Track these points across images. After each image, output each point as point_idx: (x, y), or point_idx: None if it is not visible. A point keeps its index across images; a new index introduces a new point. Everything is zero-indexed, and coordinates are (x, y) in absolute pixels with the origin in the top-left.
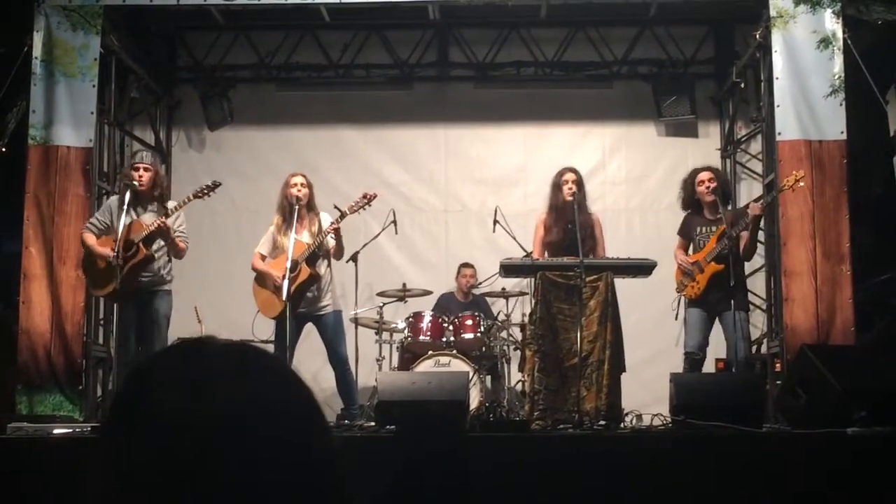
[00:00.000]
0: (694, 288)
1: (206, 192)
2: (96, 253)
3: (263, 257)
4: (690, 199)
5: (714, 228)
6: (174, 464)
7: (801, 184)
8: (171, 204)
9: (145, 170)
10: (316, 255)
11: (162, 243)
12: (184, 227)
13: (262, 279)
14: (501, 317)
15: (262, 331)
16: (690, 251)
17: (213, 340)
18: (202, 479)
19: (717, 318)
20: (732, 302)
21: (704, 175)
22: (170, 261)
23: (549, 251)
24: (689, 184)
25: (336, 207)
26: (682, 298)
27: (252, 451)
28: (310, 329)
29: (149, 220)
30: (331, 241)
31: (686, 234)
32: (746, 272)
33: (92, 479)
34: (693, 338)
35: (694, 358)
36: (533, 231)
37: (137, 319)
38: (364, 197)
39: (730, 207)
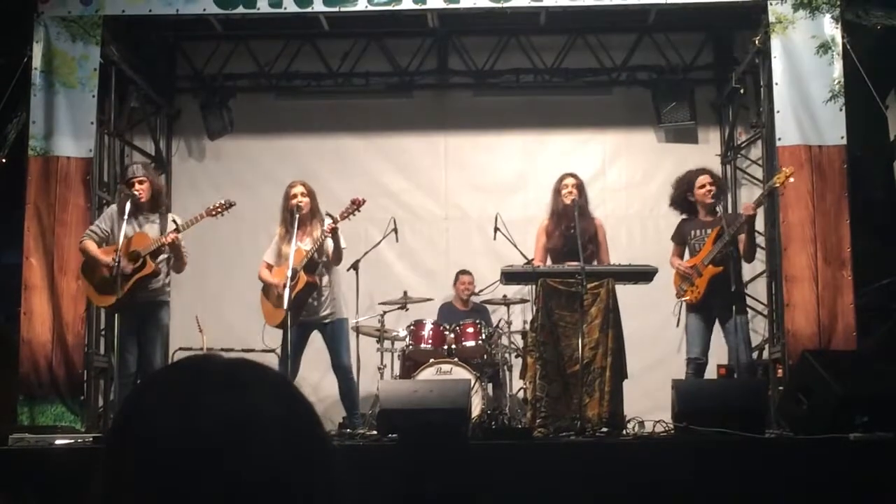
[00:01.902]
0: (694, 292)
1: (219, 210)
2: (100, 261)
3: (270, 266)
4: (682, 198)
5: (709, 231)
6: (175, 478)
7: (792, 179)
8: (179, 220)
9: (140, 182)
10: (315, 261)
11: (163, 256)
12: (183, 241)
13: (267, 289)
14: (503, 324)
15: (270, 340)
16: (686, 256)
17: (214, 356)
18: (201, 494)
19: (716, 323)
20: (734, 307)
21: (705, 178)
22: (168, 273)
23: (550, 257)
24: (685, 185)
25: (328, 215)
26: (683, 304)
27: (250, 465)
28: (313, 338)
29: (152, 231)
30: (329, 244)
31: (680, 239)
32: (748, 276)
33: (94, 492)
34: (695, 343)
35: (698, 363)
36: (535, 238)
37: (139, 330)
38: (353, 203)
39: (720, 209)
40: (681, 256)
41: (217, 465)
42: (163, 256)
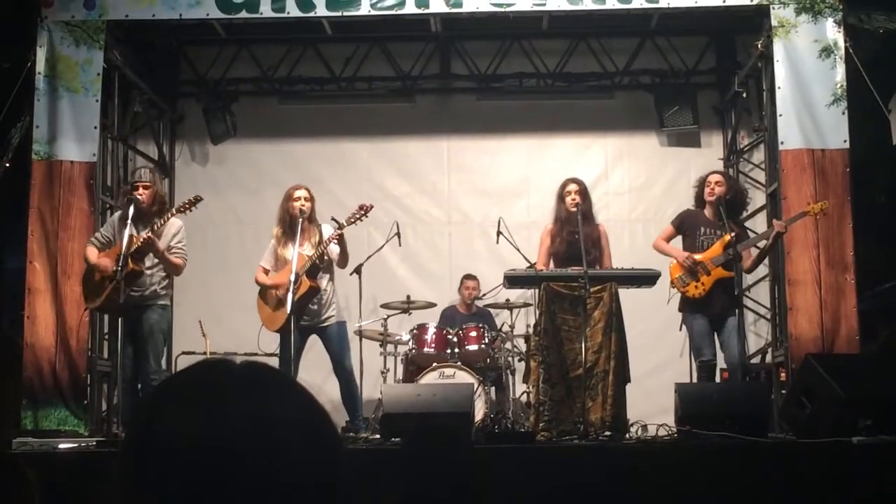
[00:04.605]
0: (698, 288)
1: (187, 206)
2: (97, 266)
3: (267, 271)
4: (699, 197)
5: (720, 233)
6: (192, 482)
7: (825, 214)
8: (157, 220)
9: (144, 188)
10: (317, 267)
11: (155, 261)
12: (182, 243)
13: (265, 293)
14: (506, 328)
15: (267, 344)
16: (680, 245)
17: (230, 361)
18: (226, 496)
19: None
20: (735, 309)
21: (713, 178)
22: (167, 276)
23: (553, 262)
24: (700, 183)
25: (333, 219)
26: (684, 303)
27: (274, 467)
28: (313, 341)
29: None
30: (335, 250)
31: (681, 228)
32: (750, 282)
33: (111, 496)
34: (705, 345)
35: (711, 364)
36: (538, 242)
37: (132, 334)
38: (360, 208)
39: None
40: (668, 240)
41: (242, 467)
42: (151, 259)
